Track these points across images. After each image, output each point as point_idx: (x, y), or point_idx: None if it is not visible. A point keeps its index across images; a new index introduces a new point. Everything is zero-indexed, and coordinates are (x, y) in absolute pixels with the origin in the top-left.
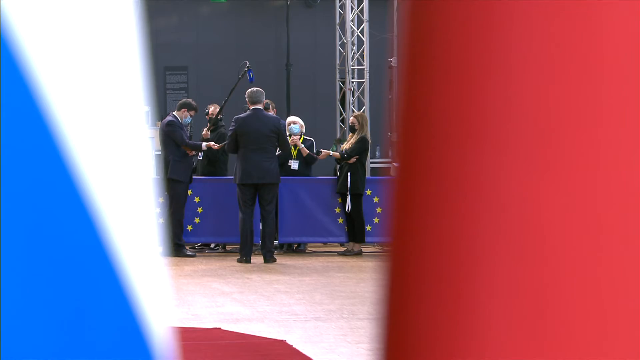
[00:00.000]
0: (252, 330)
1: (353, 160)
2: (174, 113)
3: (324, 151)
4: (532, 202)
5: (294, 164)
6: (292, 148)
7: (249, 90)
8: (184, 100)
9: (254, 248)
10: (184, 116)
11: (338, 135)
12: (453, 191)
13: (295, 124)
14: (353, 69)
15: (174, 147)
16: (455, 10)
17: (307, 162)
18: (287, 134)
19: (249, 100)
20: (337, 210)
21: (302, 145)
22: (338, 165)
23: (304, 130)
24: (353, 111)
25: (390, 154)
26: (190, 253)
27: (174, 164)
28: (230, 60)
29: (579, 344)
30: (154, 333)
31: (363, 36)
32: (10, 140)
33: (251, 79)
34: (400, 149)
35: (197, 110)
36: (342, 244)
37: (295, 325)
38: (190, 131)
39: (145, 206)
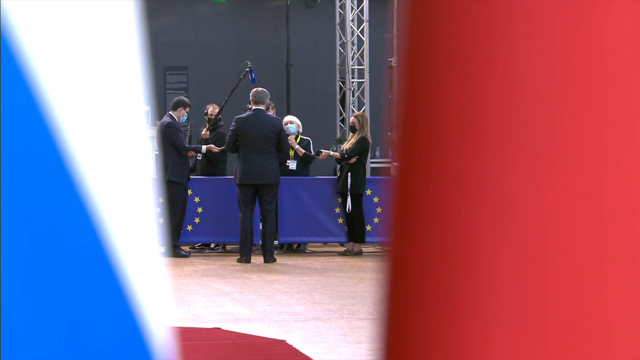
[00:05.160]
0: (252, 330)
1: (353, 160)
2: (170, 113)
3: (324, 151)
4: (534, 202)
5: (292, 164)
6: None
7: (254, 89)
8: (177, 98)
9: (254, 248)
10: (181, 115)
11: (338, 135)
12: (453, 191)
13: (292, 123)
14: (353, 69)
15: (173, 149)
16: (455, 10)
17: (304, 162)
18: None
19: (252, 100)
20: (337, 210)
21: (298, 146)
22: (338, 166)
23: (300, 130)
24: (353, 111)
25: (390, 154)
26: (184, 252)
27: (173, 165)
28: (230, 60)
29: (580, 344)
30: (154, 333)
31: (363, 36)
32: (10, 140)
33: (253, 80)
34: (400, 149)
35: (191, 106)
36: (342, 244)
37: (295, 325)
38: (190, 131)
39: (144, 206)
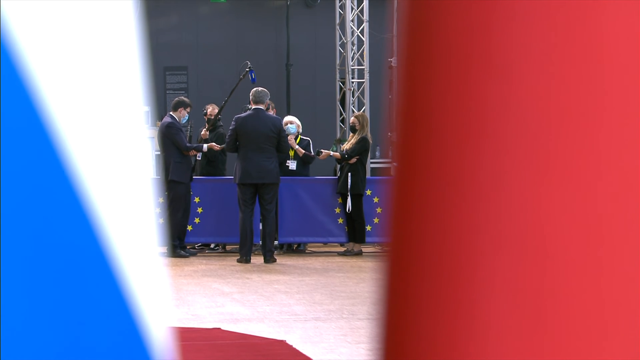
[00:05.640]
0: (252, 330)
1: (353, 160)
2: (171, 113)
3: (324, 151)
4: (533, 202)
5: (292, 164)
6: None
7: (254, 89)
8: (177, 99)
9: (254, 248)
10: (181, 115)
11: (338, 135)
12: (453, 191)
13: (292, 123)
14: (353, 69)
15: (174, 148)
16: (454, 10)
17: (304, 162)
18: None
19: (252, 100)
20: (337, 210)
21: (297, 146)
22: (338, 166)
23: (300, 130)
24: (353, 111)
25: (390, 154)
26: (184, 253)
27: (174, 165)
28: (230, 60)
29: (579, 344)
30: (153, 333)
31: (363, 36)
32: (9, 141)
33: (253, 80)
34: (399, 149)
35: (192, 106)
36: (342, 244)
37: (295, 325)
38: (190, 131)
39: (144, 207)
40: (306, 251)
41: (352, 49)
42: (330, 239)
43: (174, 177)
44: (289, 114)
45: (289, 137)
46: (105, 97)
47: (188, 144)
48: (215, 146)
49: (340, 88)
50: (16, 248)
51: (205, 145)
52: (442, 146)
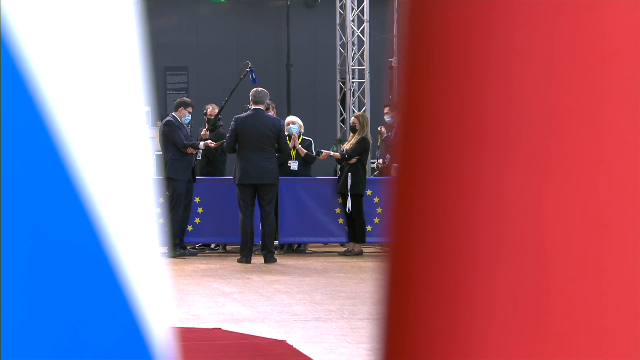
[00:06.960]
0: (253, 330)
1: (354, 160)
2: (173, 114)
3: (324, 151)
4: (533, 203)
5: (294, 165)
6: (292, 148)
7: (254, 89)
8: (178, 99)
9: (254, 248)
10: (183, 115)
11: (338, 135)
12: (453, 191)
13: (294, 124)
14: (353, 69)
15: (173, 146)
16: (455, 10)
17: (306, 162)
18: (286, 133)
19: (251, 100)
20: (338, 210)
21: (300, 146)
22: (339, 166)
23: (302, 131)
24: (353, 111)
25: (389, 154)
26: (184, 252)
27: (171, 162)
28: (230, 60)
29: (579, 345)
30: (154, 333)
31: (363, 36)
32: (9, 140)
33: (254, 80)
34: (400, 149)
35: (193, 106)
36: (342, 244)
37: (295, 325)
38: (189, 131)
39: (145, 206)
40: (306, 251)
41: (352, 49)
42: (331, 239)
43: (170, 174)
44: (289, 114)
45: (292, 136)
46: (106, 97)
47: (185, 142)
48: (210, 143)
49: (341, 88)
50: (17, 248)
51: (201, 143)
52: (442, 146)
